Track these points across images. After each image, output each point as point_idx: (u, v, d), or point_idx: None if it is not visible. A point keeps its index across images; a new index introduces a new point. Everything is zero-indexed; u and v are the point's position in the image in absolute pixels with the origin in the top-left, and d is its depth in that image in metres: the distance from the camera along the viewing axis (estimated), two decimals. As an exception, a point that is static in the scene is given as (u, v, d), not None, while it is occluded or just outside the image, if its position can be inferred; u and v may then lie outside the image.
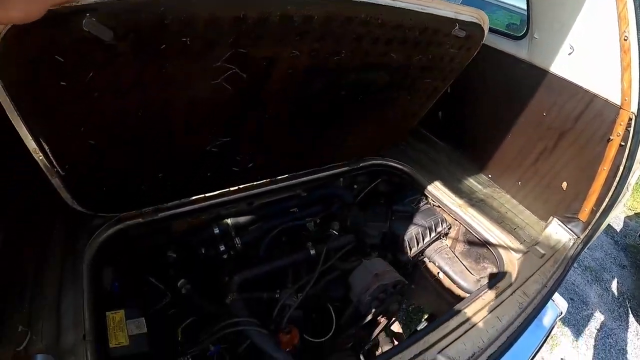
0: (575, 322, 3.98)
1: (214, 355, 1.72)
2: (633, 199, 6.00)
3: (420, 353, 1.51)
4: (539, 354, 1.92)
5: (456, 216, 2.41)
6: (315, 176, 2.40)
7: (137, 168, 1.58)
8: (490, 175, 2.74)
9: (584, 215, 2.12)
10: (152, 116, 1.33)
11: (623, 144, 1.88)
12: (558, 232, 2.18)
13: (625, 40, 1.75)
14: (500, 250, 2.14)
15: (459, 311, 1.71)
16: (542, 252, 2.08)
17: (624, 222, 5.64)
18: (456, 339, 1.59)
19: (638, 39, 1.70)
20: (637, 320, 4.21)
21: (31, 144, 1.19)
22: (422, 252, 2.47)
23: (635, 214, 5.84)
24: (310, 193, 2.45)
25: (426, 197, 2.60)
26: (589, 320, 4.06)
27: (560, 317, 2.02)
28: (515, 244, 2.15)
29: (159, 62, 1.14)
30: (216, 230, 2.05)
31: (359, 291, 2.01)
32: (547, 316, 1.95)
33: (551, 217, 2.25)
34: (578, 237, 2.13)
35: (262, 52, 1.31)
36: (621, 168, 1.90)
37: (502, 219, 2.34)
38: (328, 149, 2.29)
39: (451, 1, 2.84)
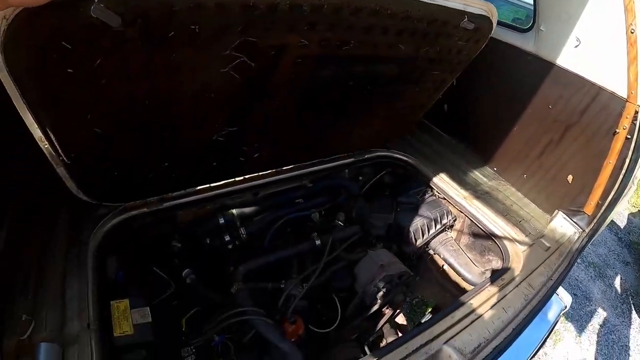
0: (579, 318, 3.97)
1: (219, 346, 1.73)
2: (637, 196, 5.97)
3: (426, 343, 1.51)
4: (542, 349, 1.92)
5: (461, 208, 2.41)
6: (321, 167, 2.40)
7: (143, 157, 1.58)
8: (495, 168, 2.73)
9: (589, 208, 2.11)
10: (159, 104, 1.32)
11: (629, 137, 1.88)
12: (563, 226, 2.17)
13: (632, 33, 1.74)
14: (506, 243, 2.14)
15: (464, 302, 1.71)
16: (548, 245, 2.07)
17: (628, 219, 5.62)
18: (462, 330, 1.59)
19: (645, 32, 1.69)
20: (640, 317, 4.20)
21: (37, 132, 1.19)
22: (427, 244, 2.47)
23: (638, 211, 5.82)
24: (316, 184, 2.45)
25: (431, 189, 2.59)
26: (592, 316, 4.05)
27: (565, 311, 2.02)
28: (521, 237, 2.14)
29: (167, 50, 1.13)
30: (221, 221, 2.05)
31: (365, 282, 2.02)
32: (552, 310, 1.95)
33: (556, 210, 2.24)
34: (583, 231, 2.12)
35: (271, 41, 1.31)
36: (627, 161, 1.90)
37: (507, 212, 2.33)
38: (335, 141, 2.29)
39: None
